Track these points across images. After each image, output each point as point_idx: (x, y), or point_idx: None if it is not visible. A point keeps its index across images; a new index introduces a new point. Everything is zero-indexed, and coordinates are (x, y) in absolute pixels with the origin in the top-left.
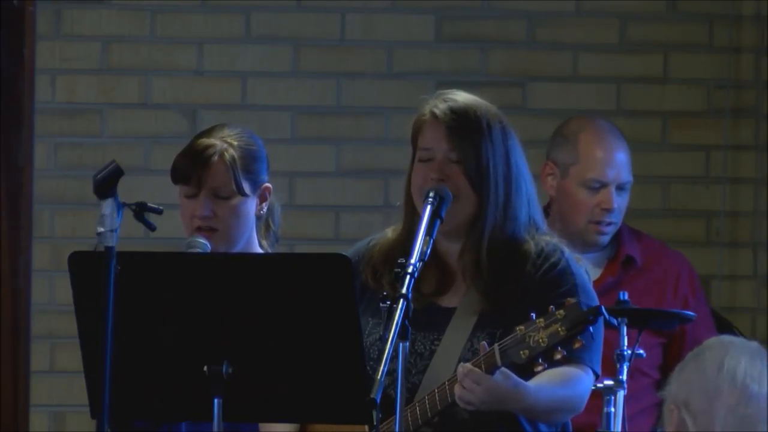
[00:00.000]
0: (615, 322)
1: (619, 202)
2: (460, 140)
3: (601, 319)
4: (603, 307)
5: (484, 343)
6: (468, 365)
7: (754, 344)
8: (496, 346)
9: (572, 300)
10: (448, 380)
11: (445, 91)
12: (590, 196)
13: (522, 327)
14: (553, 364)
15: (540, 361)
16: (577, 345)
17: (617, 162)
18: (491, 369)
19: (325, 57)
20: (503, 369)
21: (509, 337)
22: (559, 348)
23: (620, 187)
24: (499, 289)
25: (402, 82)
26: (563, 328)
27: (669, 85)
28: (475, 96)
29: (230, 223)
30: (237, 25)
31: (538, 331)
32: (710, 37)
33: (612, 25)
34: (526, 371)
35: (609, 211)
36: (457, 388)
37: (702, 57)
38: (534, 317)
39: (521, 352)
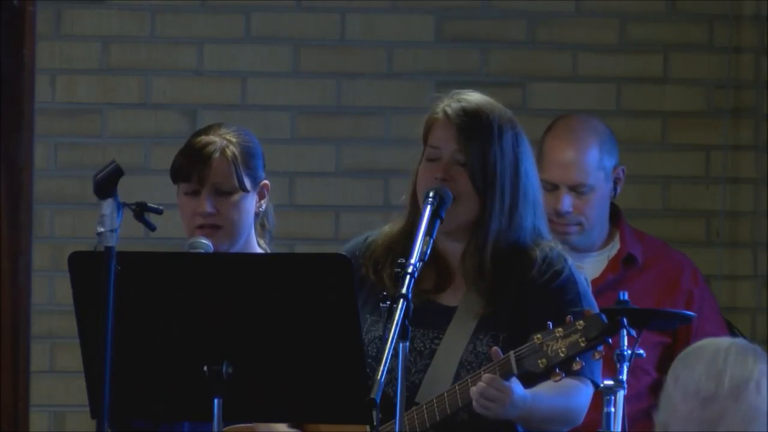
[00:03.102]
0: (633, 332)
1: (578, 204)
2: (469, 142)
3: None
4: (624, 318)
5: (497, 348)
6: (488, 375)
7: (726, 341)
8: (512, 353)
9: (591, 311)
10: (458, 384)
11: (461, 91)
12: (547, 197)
13: (539, 336)
14: (570, 374)
15: (557, 370)
16: (597, 356)
17: (570, 163)
18: (506, 377)
19: (325, 57)
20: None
21: (526, 345)
22: (578, 359)
23: (575, 189)
24: (502, 293)
25: (402, 82)
26: (583, 338)
27: (669, 85)
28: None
29: (233, 219)
30: (237, 25)
31: (556, 340)
32: (710, 37)
33: (612, 25)
34: (537, 381)
35: (558, 212)
36: (476, 395)
37: (702, 57)
38: (551, 326)
39: (539, 361)
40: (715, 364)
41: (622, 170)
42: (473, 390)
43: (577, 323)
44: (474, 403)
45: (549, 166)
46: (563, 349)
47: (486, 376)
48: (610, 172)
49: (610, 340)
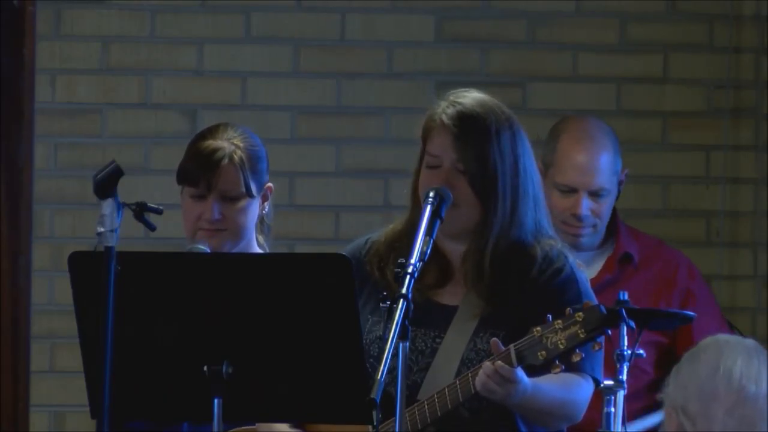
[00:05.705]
0: (633, 324)
1: (595, 207)
2: (467, 150)
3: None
4: (623, 309)
5: (496, 340)
6: (498, 362)
7: (750, 342)
8: (512, 346)
9: (591, 303)
10: (459, 379)
11: (457, 91)
12: (562, 199)
13: (539, 328)
14: (570, 366)
15: (557, 362)
16: (596, 347)
17: (591, 168)
18: None
19: (325, 57)
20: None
21: (525, 338)
22: (578, 350)
23: (595, 194)
24: (501, 293)
25: (402, 82)
26: (583, 330)
27: (669, 85)
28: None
29: (239, 224)
30: (237, 25)
31: (555, 332)
32: (710, 37)
33: (612, 25)
34: (538, 373)
35: (577, 216)
36: (480, 384)
37: (702, 57)
38: (551, 319)
39: (539, 354)
40: (752, 363)
41: (626, 173)
42: (481, 372)
43: (576, 315)
44: (479, 386)
45: (567, 170)
46: (563, 341)
47: (491, 363)
48: (620, 175)
49: (609, 332)
